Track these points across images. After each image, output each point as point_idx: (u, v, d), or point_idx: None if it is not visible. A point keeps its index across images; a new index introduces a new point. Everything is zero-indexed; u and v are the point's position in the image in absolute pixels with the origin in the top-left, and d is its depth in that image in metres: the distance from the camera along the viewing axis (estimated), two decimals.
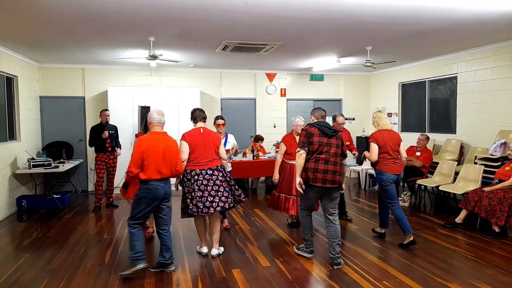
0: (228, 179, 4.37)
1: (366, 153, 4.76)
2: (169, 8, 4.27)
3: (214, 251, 4.36)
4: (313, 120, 4.25)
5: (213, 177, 4.21)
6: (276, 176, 5.27)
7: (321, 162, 3.96)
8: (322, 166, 3.95)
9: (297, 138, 5.04)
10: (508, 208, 4.81)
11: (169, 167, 3.82)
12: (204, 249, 4.41)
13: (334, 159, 4.00)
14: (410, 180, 6.77)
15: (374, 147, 4.57)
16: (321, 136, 4.02)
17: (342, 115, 5.64)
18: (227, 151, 5.11)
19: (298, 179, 4.02)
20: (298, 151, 4.03)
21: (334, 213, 4.08)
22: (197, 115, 4.44)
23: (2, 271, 4.00)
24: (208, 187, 4.17)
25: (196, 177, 4.17)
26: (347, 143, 5.53)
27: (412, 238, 4.52)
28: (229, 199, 4.26)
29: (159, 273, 3.91)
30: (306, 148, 4.01)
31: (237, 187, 4.46)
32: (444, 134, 7.60)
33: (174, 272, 3.93)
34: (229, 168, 5.28)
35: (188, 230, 5.35)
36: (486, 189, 5.12)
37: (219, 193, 4.20)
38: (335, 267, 3.97)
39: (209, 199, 4.13)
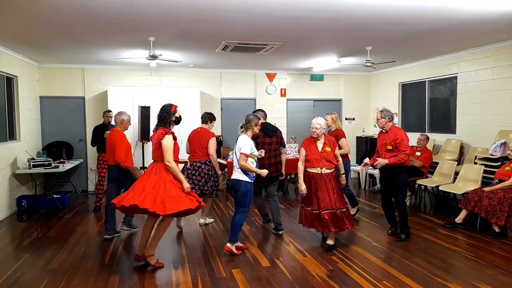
0: (211, 173, 5.26)
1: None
2: (169, 8, 4.27)
3: (201, 221, 5.60)
4: (263, 119, 5.11)
5: (199, 169, 5.22)
6: (302, 186, 4.54)
7: (266, 158, 4.93)
8: (267, 161, 4.98)
9: (318, 142, 4.53)
10: (508, 208, 4.81)
11: (110, 156, 4.95)
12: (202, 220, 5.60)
13: (274, 153, 5.10)
14: (410, 180, 6.76)
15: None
16: (265, 137, 5.04)
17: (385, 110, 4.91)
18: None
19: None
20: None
21: (275, 194, 5.20)
22: (202, 116, 5.53)
23: (2, 271, 4.00)
24: (194, 176, 5.21)
25: (188, 166, 5.26)
26: (389, 147, 4.75)
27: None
28: (209, 190, 5.27)
29: (159, 273, 3.91)
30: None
31: (218, 183, 5.45)
32: (444, 134, 7.60)
33: (174, 272, 3.93)
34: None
35: (188, 231, 5.35)
36: (486, 189, 5.12)
37: (200, 182, 5.21)
38: (279, 232, 5.14)
39: (191, 186, 4.91)
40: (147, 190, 3.79)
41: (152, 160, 4.06)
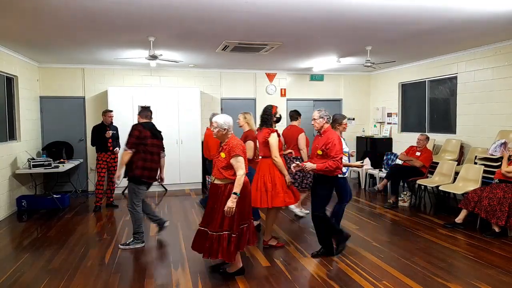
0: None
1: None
2: (169, 8, 4.27)
3: (296, 210, 6.03)
4: (140, 120, 4.73)
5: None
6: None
7: (154, 162, 4.64)
8: (154, 165, 4.65)
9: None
10: (508, 208, 4.82)
11: (206, 152, 6.09)
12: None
13: (158, 157, 4.72)
14: (410, 180, 6.77)
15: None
16: (153, 138, 4.63)
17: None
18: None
19: (118, 173, 4.55)
20: (126, 150, 4.47)
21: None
22: (290, 115, 6.14)
23: (2, 271, 4.00)
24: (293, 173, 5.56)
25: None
26: (319, 152, 4.14)
27: None
28: (307, 185, 5.83)
29: (159, 273, 3.92)
30: (134, 150, 4.47)
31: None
32: (444, 134, 7.60)
33: (174, 272, 3.93)
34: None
35: (187, 231, 5.35)
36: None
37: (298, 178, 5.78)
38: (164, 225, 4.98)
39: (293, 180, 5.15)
40: (260, 188, 4.38)
41: (261, 156, 4.56)
